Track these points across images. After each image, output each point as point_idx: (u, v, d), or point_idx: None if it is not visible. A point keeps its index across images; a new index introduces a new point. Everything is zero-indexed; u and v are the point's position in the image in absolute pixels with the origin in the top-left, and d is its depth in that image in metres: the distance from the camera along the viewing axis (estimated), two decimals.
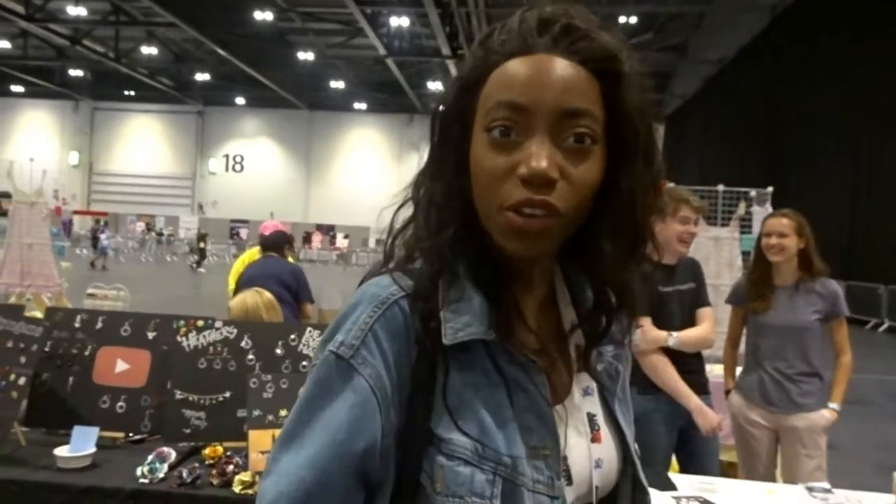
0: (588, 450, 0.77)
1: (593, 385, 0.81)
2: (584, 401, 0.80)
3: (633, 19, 18.64)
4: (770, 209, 5.46)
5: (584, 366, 0.81)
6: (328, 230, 36.59)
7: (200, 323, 2.59)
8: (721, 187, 5.70)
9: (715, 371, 4.21)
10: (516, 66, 0.69)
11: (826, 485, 2.48)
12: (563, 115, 0.67)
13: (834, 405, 3.05)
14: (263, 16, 23.32)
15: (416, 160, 35.13)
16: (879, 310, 14.71)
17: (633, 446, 0.83)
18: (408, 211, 0.78)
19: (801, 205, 3.16)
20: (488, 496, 0.68)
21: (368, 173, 36.75)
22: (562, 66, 0.68)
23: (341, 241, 35.40)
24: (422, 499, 0.69)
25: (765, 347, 3.11)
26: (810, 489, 2.43)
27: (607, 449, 0.80)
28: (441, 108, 0.76)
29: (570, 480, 0.74)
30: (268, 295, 3.23)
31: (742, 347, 3.35)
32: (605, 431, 0.80)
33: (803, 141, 18.09)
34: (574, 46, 0.69)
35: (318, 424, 0.67)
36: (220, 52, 25.09)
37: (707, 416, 2.80)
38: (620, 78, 0.70)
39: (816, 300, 3.06)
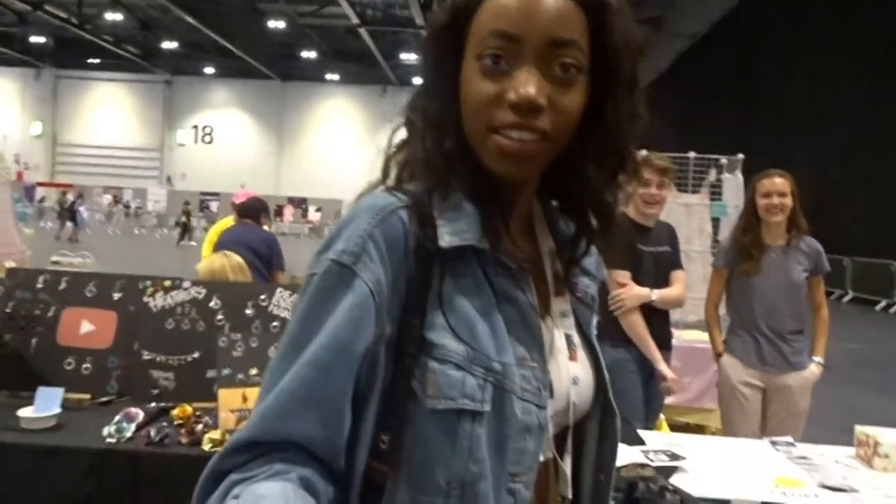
0: (567, 366, 0.80)
1: (569, 309, 0.85)
2: (561, 321, 0.83)
3: None
4: (740, 176, 5.51)
5: (566, 283, 0.85)
6: (300, 203, 36.26)
7: (168, 283, 2.55)
8: (692, 154, 5.72)
9: (686, 336, 4.28)
10: None
11: (789, 438, 2.55)
12: (551, 44, 0.70)
13: (819, 359, 3.13)
14: None
15: (390, 132, 34.81)
16: (843, 281, 15.13)
17: (605, 373, 0.86)
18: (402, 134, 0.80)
19: None
20: (479, 399, 0.70)
21: (341, 146, 36.31)
22: None
23: (313, 215, 35.11)
24: (413, 405, 0.70)
25: (759, 308, 3.12)
26: (774, 443, 2.49)
27: (584, 370, 0.83)
28: (433, 32, 0.77)
29: (551, 393, 0.77)
30: (236, 258, 3.19)
31: (722, 310, 3.38)
32: (580, 353, 0.83)
33: (773, 112, 18.33)
34: None
35: (321, 329, 0.67)
36: (188, 19, 24.47)
37: (668, 374, 2.96)
38: (607, 11, 0.72)
39: (803, 258, 3.13)
